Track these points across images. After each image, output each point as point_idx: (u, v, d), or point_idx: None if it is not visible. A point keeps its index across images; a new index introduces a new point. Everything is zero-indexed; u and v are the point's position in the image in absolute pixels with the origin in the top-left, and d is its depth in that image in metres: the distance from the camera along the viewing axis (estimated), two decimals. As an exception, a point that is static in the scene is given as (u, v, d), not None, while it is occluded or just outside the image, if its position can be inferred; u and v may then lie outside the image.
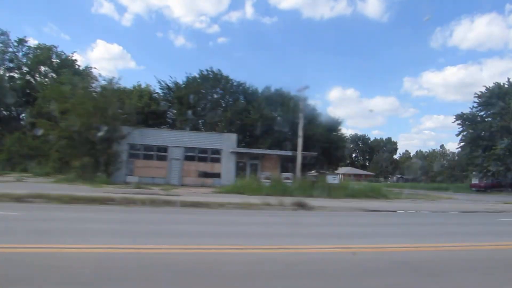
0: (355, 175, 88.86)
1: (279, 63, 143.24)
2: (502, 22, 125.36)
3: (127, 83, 73.93)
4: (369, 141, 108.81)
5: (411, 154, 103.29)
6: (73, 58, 41.23)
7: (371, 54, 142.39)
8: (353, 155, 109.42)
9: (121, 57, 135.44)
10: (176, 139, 29.06)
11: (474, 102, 48.21)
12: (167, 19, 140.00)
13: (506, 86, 46.59)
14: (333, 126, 37.58)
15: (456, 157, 69.75)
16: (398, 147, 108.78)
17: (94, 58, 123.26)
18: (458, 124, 49.23)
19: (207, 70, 36.20)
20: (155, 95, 37.01)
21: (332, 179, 25.12)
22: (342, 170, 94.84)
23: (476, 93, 48.47)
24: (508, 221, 13.62)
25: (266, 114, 33.83)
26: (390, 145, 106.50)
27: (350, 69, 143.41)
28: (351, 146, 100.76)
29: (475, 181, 47.80)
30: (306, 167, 32.47)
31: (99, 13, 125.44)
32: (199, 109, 34.89)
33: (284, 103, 35.93)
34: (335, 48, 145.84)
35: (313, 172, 26.65)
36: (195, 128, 34.10)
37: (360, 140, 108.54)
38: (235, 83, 36.44)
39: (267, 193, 22.08)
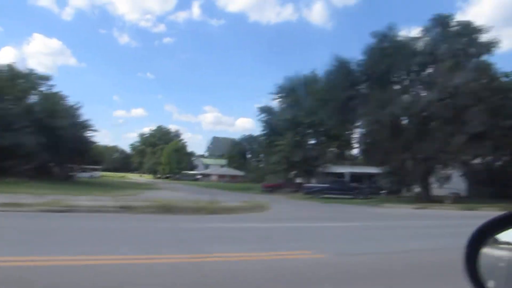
0: (232, 176, 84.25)
1: (226, 65, 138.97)
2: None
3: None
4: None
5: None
6: None
7: (316, 60, 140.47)
8: (248, 155, 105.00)
9: (60, 52, 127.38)
10: None
11: (271, 93, 43.62)
12: (111, 16, 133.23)
13: (307, 75, 42.17)
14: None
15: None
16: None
17: (30, 53, 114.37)
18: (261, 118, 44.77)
19: None
20: None
21: None
22: (219, 170, 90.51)
23: (277, 84, 44.00)
24: None
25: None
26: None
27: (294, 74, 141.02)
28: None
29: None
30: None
31: (37, 5, 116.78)
32: None
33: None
34: (280, 53, 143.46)
35: None
36: None
37: (254, 142, 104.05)
38: None
39: None
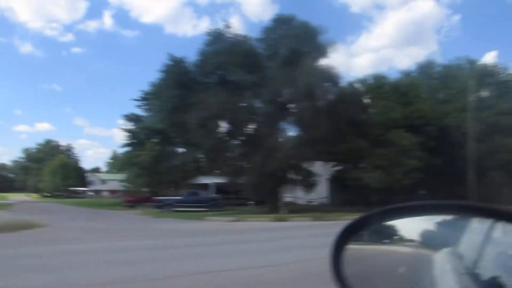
0: (112, 191, 78.78)
1: (140, 77, 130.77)
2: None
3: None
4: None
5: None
6: None
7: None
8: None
9: None
10: None
11: (135, 100, 39.43)
12: (11, 23, 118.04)
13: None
14: None
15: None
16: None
17: None
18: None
19: None
20: None
21: None
22: (113, 186, 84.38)
23: (141, 90, 39.91)
24: None
25: None
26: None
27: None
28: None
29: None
30: None
31: None
32: None
33: None
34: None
35: None
36: None
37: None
38: None
39: None
